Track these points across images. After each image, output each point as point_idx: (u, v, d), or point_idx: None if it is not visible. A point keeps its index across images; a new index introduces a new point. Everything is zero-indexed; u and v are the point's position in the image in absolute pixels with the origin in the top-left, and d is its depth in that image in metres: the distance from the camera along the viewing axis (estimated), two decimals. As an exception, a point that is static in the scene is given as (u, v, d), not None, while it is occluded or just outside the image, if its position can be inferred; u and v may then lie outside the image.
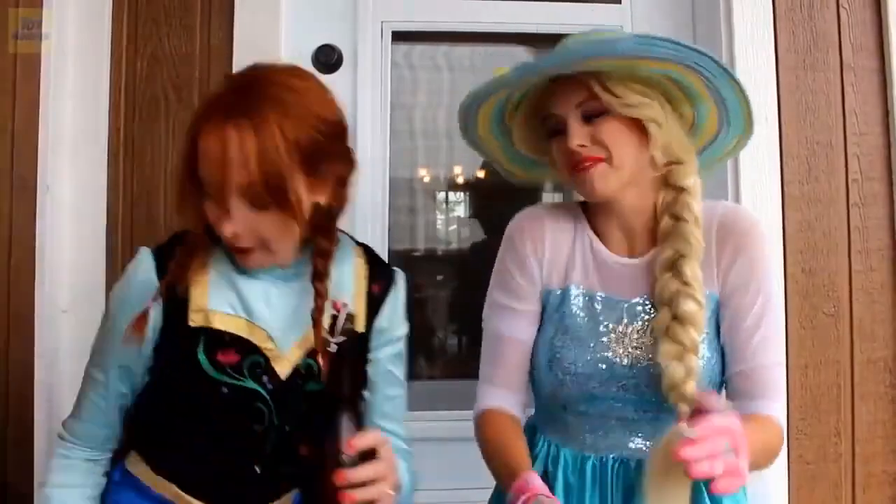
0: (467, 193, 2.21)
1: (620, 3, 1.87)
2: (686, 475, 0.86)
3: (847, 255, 1.73)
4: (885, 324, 1.74)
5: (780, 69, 1.72)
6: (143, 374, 1.09)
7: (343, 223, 1.11)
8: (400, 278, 1.18)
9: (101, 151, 1.63)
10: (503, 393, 1.20)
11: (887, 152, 1.75)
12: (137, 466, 1.11)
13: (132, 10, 1.66)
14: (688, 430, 0.87)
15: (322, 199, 1.04)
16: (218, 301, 1.07)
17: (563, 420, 1.18)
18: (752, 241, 1.15)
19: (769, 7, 1.73)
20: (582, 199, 1.22)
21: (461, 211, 2.24)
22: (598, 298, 1.17)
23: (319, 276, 1.04)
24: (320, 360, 1.04)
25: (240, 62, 1.61)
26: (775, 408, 1.12)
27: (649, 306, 1.16)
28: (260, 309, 1.08)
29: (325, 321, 1.02)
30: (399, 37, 1.87)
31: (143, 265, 1.07)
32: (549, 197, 2.00)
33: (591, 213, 1.23)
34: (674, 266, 1.12)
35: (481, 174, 2.13)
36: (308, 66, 1.63)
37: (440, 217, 2.25)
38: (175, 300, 1.05)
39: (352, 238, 1.18)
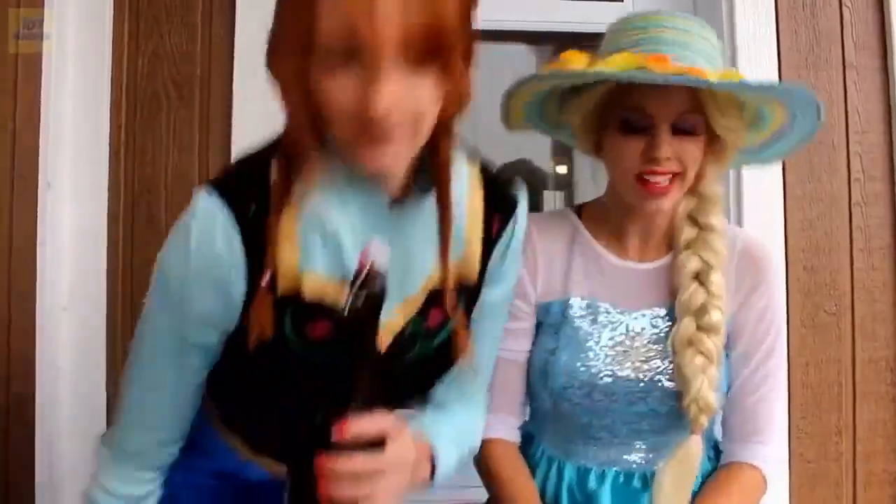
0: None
1: (622, 0, 1.86)
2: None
3: (849, 253, 1.73)
4: (886, 323, 1.74)
5: (783, 67, 1.72)
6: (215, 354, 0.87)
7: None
8: (522, 205, 0.96)
9: (102, 149, 1.63)
10: (502, 417, 1.15)
11: (889, 151, 1.74)
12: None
13: (133, 8, 1.65)
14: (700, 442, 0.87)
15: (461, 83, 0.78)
16: (310, 257, 0.81)
17: (562, 431, 1.15)
18: (771, 276, 1.14)
19: (771, 6, 1.72)
20: (572, 206, 1.19)
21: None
22: (602, 309, 1.13)
23: (445, 190, 0.83)
24: (449, 308, 0.86)
25: (241, 60, 1.61)
26: (766, 453, 1.12)
27: (661, 318, 1.13)
28: None
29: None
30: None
31: (218, 223, 0.79)
32: (550, 196, 2.00)
33: (591, 218, 1.19)
34: (700, 276, 1.09)
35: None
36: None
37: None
38: (259, 259, 0.80)
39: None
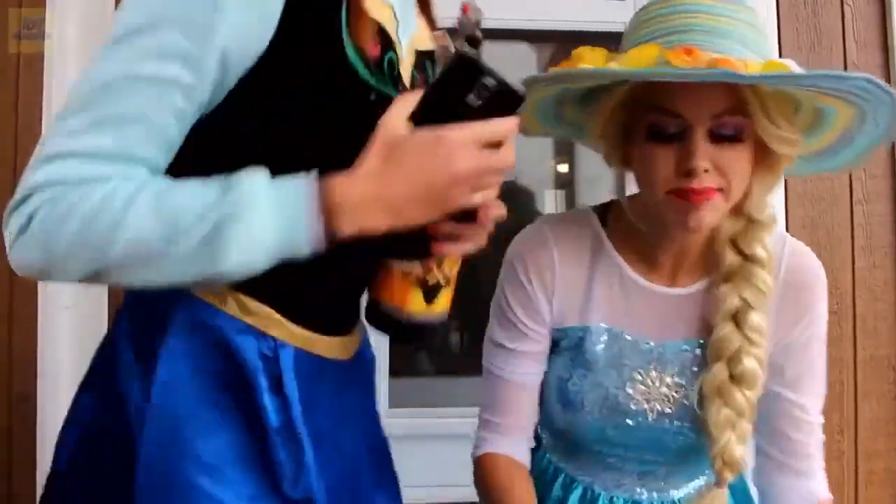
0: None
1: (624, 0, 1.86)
2: None
3: (850, 252, 1.73)
4: (887, 321, 1.74)
5: (784, 66, 1.72)
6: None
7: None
8: None
9: (104, 149, 1.63)
10: (507, 440, 1.04)
11: (891, 148, 1.74)
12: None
13: (134, 8, 1.66)
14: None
15: None
16: None
17: (574, 453, 1.07)
18: (821, 297, 1.01)
19: (773, 4, 1.72)
20: (595, 207, 1.04)
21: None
22: (625, 339, 0.99)
23: None
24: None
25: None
26: (823, 482, 1.04)
27: (689, 352, 0.99)
28: None
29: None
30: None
31: None
32: (551, 196, 1.99)
33: (617, 228, 1.02)
34: (738, 316, 0.94)
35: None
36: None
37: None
38: None
39: None
